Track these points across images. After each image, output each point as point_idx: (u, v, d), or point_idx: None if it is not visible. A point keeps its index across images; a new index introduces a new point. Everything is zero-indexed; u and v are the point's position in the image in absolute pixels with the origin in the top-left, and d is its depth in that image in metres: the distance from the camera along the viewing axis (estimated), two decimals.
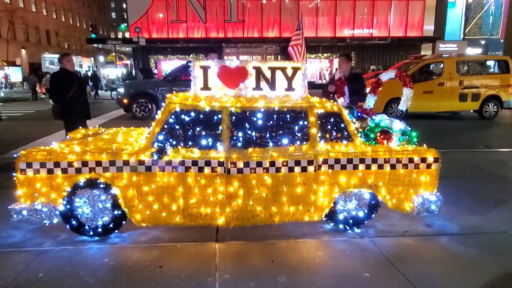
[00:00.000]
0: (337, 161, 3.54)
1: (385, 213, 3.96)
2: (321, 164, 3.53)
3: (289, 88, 3.63)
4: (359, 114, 4.50)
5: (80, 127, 4.76)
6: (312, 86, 19.83)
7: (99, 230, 3.57)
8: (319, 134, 3.60)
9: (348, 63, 5.98)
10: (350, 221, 3.77)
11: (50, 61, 30.44)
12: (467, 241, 3.63)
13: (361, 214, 3.77)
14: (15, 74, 33.51)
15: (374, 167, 3.59)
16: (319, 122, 3.60)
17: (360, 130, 3.97)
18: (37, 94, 22.20)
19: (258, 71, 3.58)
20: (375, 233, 3.77)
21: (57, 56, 6.05)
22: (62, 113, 5.74)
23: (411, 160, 3.62)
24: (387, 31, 27.42)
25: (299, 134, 3.57)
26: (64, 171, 3.38)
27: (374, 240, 3.60)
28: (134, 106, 12.15)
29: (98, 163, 3.39)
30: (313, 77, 28.33)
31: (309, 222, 3.75)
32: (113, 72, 30.14)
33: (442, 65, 12.13)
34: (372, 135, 3.88)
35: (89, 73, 29.91)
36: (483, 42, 36.39)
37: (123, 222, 3.63)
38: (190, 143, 3.48)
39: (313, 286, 2.89)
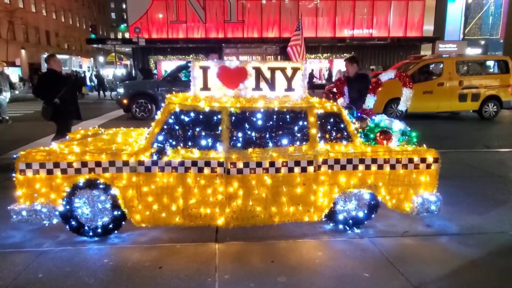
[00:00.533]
0: (337, 161, 3.54)
1: (385, 213, 3.96)
2: (320, 165, 3.53)
3: (289, 88, 3.63)
4: (359, 114, 4.51)
5: (80, 128, 4.75)
6: (311, 86, 19.89)
7: (99, 230, 3.57)
8: (319, 135, 3.59)
9: (353, 65, 5.98)
10: (350, 221, 3.77)
11: None
12: (467, 241, 3.63)
13: (360, 214, 3.76)
14: (14, 75, 33.49)
15: (373, 167, 3.59)
16: (318, 122, 3.59)
17: (360, 130, 3.97)
18: None
19: (258, 71, 3.57)
20: (375, 233, 3.77)
21: (57, 56, 6.04)
22: (54, 115, 5.72)
23: (410, 161, 3.62)
24: (386, 31, 27.43)
25: (298, 135, 3.57)
26: (64, 171, 3.38)
27: (374, 240, 3.60)
28: (134, 106, 12.15)
29: (98, 164, 3.39)
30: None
31: (309, 223, 3.75)
32: (112, 72, 30.14)
33: (441, 65, 12.13)
34: (371, 135, 3.89)
35: (88, 74, 29.88)
36: (482, 42, 36.43)
37: (123, 222, 3.63)
38: (189, 144, 3.48)
39: (313, 286, 2.89)
